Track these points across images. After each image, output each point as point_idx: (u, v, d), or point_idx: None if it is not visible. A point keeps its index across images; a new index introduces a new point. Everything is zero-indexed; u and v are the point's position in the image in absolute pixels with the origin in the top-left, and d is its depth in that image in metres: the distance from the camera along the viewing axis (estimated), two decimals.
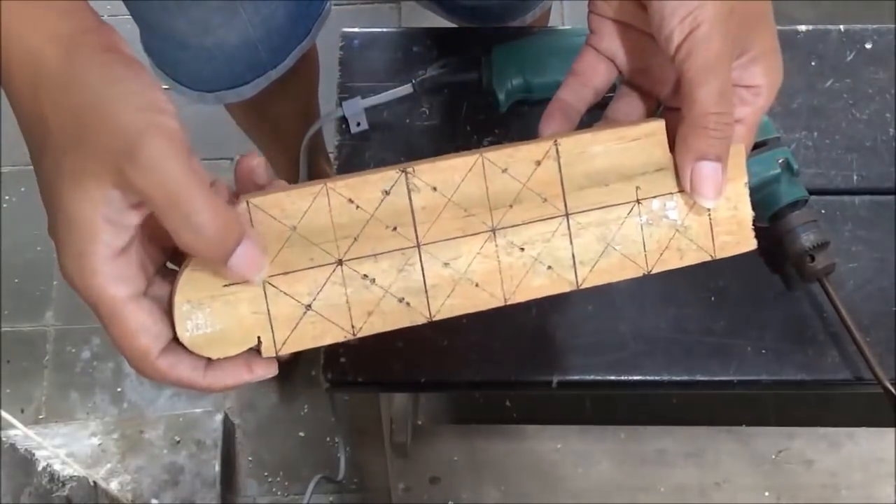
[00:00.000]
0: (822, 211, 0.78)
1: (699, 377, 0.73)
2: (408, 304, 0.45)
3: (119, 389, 1.37)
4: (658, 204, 0.47)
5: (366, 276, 0.44)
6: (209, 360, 0.43)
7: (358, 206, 0.44)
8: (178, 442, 1.27)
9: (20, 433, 1.24)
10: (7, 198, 1.48)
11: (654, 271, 0.47)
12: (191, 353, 0.43)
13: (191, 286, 0.42)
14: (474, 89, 0.81)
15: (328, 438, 1.34)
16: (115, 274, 0.39)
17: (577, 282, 0.46)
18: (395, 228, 0.44)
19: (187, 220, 0.38)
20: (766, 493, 1.20)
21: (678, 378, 0.73)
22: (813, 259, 0.72)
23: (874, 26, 0.84)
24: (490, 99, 0.81)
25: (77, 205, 0.38)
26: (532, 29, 0.84)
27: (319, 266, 0.44)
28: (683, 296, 0.75)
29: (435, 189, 0.44)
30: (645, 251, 0.47)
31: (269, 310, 0.44)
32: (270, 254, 0.43)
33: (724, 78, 0.46)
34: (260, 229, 0.43)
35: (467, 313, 0.46)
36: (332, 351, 0.73)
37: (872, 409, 1.22)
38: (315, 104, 1.13)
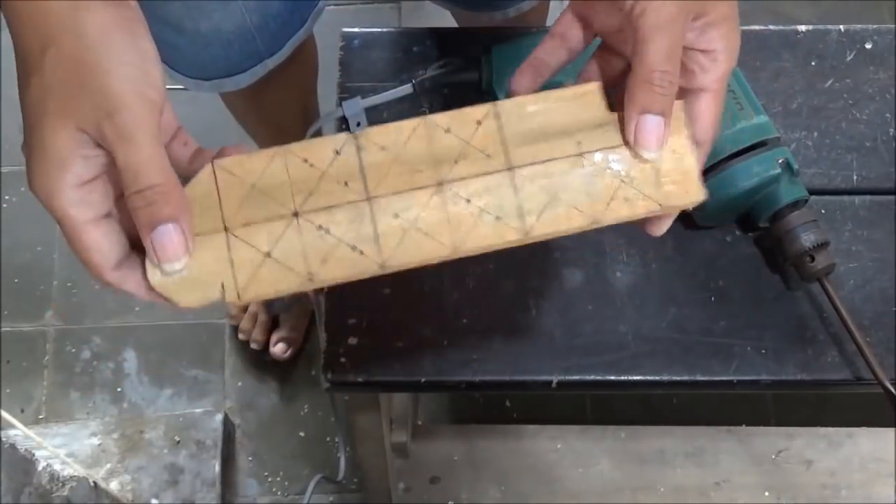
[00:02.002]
0: (822, 211, 0.78)
1: (699, 377, 0.73)
2: (360, 251, 0.47)
3: (119, 389, 1.37)
4: (601, 156, 0.49)
5: (320, 226, 0.47)
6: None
7: (312, 165, 0.48)
8: (178, 442, 1.27)
9: (20, 433, 1.24)
10: (7, 198, 1.48)
11: (604, 221, 0.49)
12: (138, 270, 0.46)
13: None
14: (474, 89, 0.81)
15: (328, 438, 1.35)
16: (78, 199, 0.44)
17: (525, 229, 0.48)
18: (346, 183, 0.48)
19: (136, 179, 0.43)
20: (766, 493, 1.20)
21: (678, 378, 0.73)
22: (813, 259, 0.72)
23: (874, 26, 0.84)
24: (490, 99, 0.81)
25: (55, 137, 0.43)
26: (532, 29, 0.84)
27: (277, 218, 0.47)
28: (683, 296, 0.76)
29: (383, 148, 0.48)
30: (591, 200, 0.49)
31: (231, 258, 0.47)
32: (233, 209, 0.47)
33: (674, 38, 0.48)
34: (223, 186, 0.47)
35: (419, 263, 0.48)
36: (332, 351, 0.73)
37: (872, 409, 1.22)
38: (314, 100, 1.13)
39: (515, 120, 0.50)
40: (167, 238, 0.44)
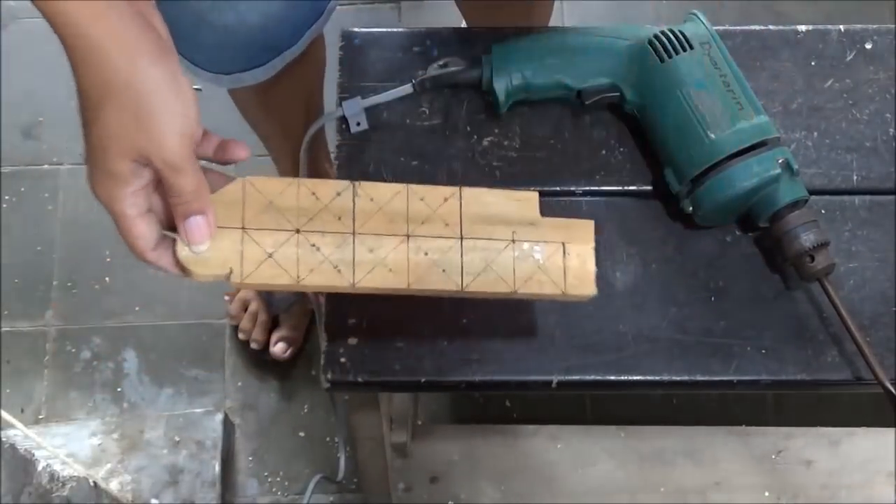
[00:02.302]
0: (822, 211, 0.78)
1: (699, 377, 0.73)
2: (339, 270, 0.61)
3: (119, 389, 1.37)
4: (528, 246, 0.64)
5: (314, 244, 0.61)
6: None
7: (317, 198, 0.62)
8: (178, 442, 1.27)
9: (20, 433, 1.24)
10: (7, 198, 1.48)
11: (519, 292, 0.64)
12: (169, 251, 0.60)
13: None
14: (474, 89, 0.81)
15: (328, 438, 1.34)
16: (130, 202, 0.58)
17: (461, 285, 0.63)
18: (339, 218, 0.62)
19: (178, 192, 0.58)
20: (766, 493, 1.20)
21: (678, 378, 0.73)
22: (813, 259, 0.72)
23: (874, 26, 0.84)
24: (490, 99, 0.81)
25: (118, 166, 0.56)
26: (532, 29, 0.84)
27: (283, 230, 0.61)
28: (683, 296, 0.76)
29: (372, 199, 0.63)
30: (514, 276, 0.64)
31: (242, 251, 0.60)
32: (252, 215, 0.61)
33: None
34: (248, 197, 0.61)
35: (381, 291, 0.62)
36: (332, 351, 0.73)
37: (872, 409, 1.22)
38: (320, 99, 1.13)
39: (473, 204, 0.64)
40: (195, 225, 0.59)
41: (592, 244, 0.66)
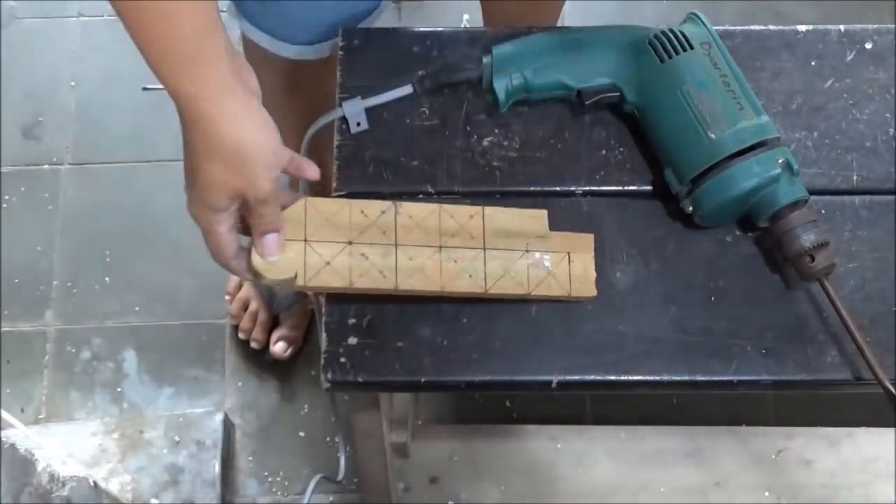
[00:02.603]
0: (822, 211, 0.78)
1: (699, 377, 0.73)
2: (384, 275, 0.72)
3: (119, 389, 1.37)
4: (539, 255, 0.75)
5: (363, 254, 0.72)
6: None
7: (366, 216, 0.74)
8: (178, 442, 1.27)
9: (20, 433, 1.24)
10: (7, 198, 1.48)
11: (532, 294, 0.74)
12: (244, 259, 0.72)
13: None
14: (474, 89, 0.81)
15: (328, 438, 1.34)
16: (219, 221, 0.69)
17: (485, 287, 0.73)
18: (384, 232, 0.74)
19: (262, 217, 0.70)
20: (766, 493, 1.20)
21: (678, 378, 0.73)
22: (813, 259, 0.72)
23: (874, 26, 0.84)
24: (490, 99, 0.81)
25: (217, 198, 0.68)
26: (532, 29, 0.84)
27: (338, 242, 0.72)
28: (683, 296, 0.76)
29: (410, 217, 0.74)
30: (528, 280, 0.74)
31: (305, 259, 0.71)
32: (312, 230, 0.73)
33: None
34: (309, 215, 0.73)
35: (418, 292, 0.73)
36: (332, 351, 0.73)
37: (872, 409, 1.22)
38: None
39: (493, 220, 0.76)
40: (271, 241, 0.71)
41: (592, 254, 0.76)
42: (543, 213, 0.77)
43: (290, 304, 1.34)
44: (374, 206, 0.74)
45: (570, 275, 0.75)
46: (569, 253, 0.75)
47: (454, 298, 0.74)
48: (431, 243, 0.74)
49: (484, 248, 0.74)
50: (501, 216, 0.76)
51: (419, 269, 0.73)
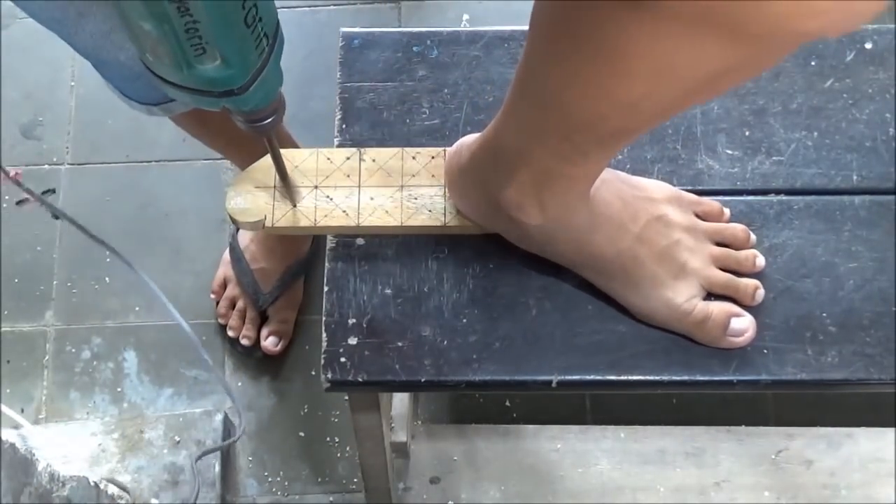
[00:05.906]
0: (822, 211, 0.78)
1: (699, 377, 0.73)
2: (347, 214, 0.75)
3: (119, 389, 1.37)
4: None
5: (328, 196, 0.75)
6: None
7: (331, 161, 0.77)
8: (178, 442, 1.27)
9: (20, 433, 1.24)
10: (7, 198, 1.48)
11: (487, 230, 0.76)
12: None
13: (238, 185, 0.76)
14: (474, 89, 0.81)
15: (328, 438, 1.34)
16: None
17: (444, 221, 0.75)
18: (348, 176, 0.76)
19: None
20: (766, 493, 1.20)
21: (678, 378, 0.73)
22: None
23: (874, 26, 0.84)
24: (490, 99, 0.81)
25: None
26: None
27: (306, 186, 0.76)
28: None
29: (374, 160, 0.77)
30: None
31: (273, 204, 0.75)
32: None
33: None
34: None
35: (379, 230, 0.75)
36: (332, 351, 0.73)
37: (872, 409, 1.22)
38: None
39: None
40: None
41: None
42: None
43: (275, 299, 1.34)
44: (339, 153, 0.77)
45: None
46: None
47: (453, 299, 0.74)
48: (393, 184, 0.76)
49: (444, 185, 0.75)
50: None
51: (381, 208, 0.75)
